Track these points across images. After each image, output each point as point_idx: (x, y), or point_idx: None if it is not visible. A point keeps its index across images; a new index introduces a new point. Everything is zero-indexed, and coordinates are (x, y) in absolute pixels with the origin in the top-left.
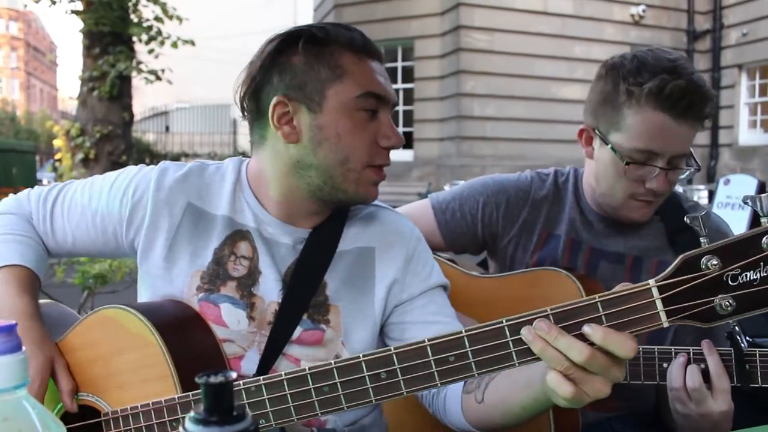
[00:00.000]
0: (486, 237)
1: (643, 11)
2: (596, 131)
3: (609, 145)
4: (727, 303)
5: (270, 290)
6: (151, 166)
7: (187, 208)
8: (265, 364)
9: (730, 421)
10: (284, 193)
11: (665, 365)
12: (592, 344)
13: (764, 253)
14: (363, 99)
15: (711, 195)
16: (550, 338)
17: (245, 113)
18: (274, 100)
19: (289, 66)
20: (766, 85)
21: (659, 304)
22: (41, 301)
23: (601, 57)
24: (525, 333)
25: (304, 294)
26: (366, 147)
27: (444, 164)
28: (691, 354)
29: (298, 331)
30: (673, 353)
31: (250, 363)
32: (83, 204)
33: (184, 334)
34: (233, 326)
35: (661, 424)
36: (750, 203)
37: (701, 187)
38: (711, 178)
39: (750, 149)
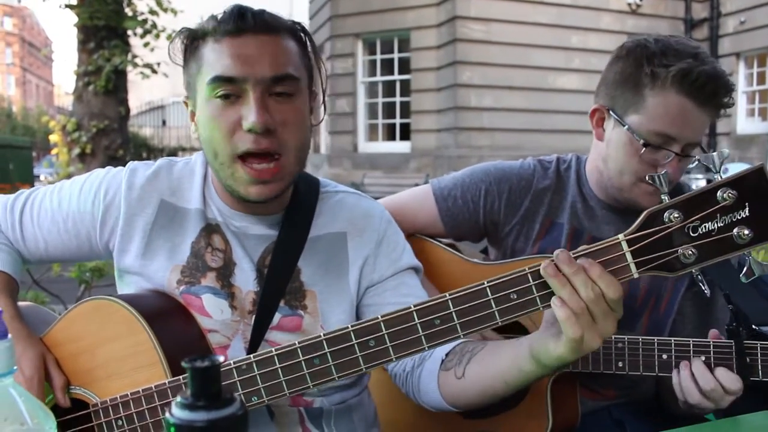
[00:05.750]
0: (487, 225)
1: (640, 0)
2: (611, 112)
3: (625, 127)
4: (690, 252)
5: (246, 280)
6: (120, 167)
7: (160, 205)
8: (251, 352)
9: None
10: (221, 188)
11: (664, 356)
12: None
13: (719, 205)
14: (212, 85)
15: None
16: (569, 272)
17: None
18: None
19: (186, 67)
20: (764, 74)
21: (629, 257)
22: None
23: (598, 46)
24: (544, 265)
25: (280, 281)
26: (224, 135)
27: (441, 155)
28: (692, 346)
29: (277, 318)
30: (672, 344)
31: (235, 351)
32: (53, 209)
33: (169, 321)
34: (216, 316)
35: (660, 411)
36: (703, 161)
37: (699, 176)
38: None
39: (748, 138)
